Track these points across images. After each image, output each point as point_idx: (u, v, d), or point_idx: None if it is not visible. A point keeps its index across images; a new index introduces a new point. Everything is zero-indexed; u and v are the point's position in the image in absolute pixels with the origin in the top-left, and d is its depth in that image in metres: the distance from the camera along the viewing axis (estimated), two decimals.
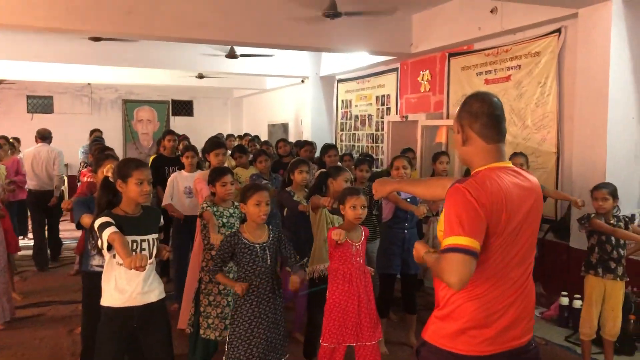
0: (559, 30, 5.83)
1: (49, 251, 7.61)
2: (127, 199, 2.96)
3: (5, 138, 7.71)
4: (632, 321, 4.63)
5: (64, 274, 6.95)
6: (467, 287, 1.95)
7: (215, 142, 5.35)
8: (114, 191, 2.98)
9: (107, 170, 3.05)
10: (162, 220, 3.16)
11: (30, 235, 8.13)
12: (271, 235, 3.36)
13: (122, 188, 2.94)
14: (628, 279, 4.16)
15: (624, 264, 4.07)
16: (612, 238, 4.02)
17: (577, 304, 5.12)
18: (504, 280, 1.98)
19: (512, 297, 1.99)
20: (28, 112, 14.12)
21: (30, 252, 7.35)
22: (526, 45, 6.26)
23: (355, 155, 8.88)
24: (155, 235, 3.04)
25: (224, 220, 3.98)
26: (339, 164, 6.13)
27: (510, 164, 2.06)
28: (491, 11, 6.19)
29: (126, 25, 6.43)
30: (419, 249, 2.13)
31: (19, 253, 6.38)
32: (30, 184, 7.43)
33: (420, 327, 4.69)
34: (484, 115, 2.00)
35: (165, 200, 5.30)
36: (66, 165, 14.19)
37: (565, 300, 5.26)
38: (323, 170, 5.89)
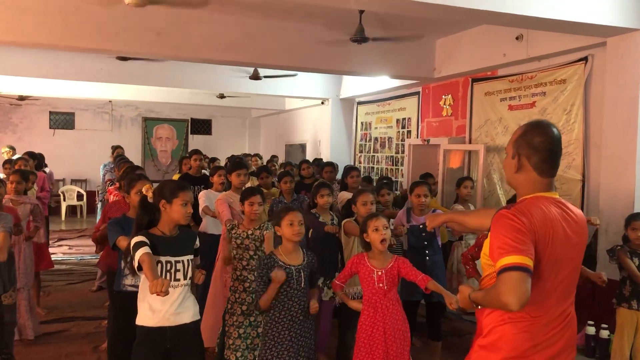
0: (585, 59, 5.85)
1: None
2: (168, 220, 2.99)
3: (30, 154, 7.82)
4: None
5: (85, 289, 6.98)
6: (512, 316, 1.95)
7: (237, 163, 5.42)
8: (153, 211, 3.01)
9: (146, 190, 3.09)
10: (197, 243, 3.18)
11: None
12: (306, 259, 3.40)
13: (165, 208, 2.97)
14: None
15: None
16: None
17: (604, 334, 5.05)
18: (548, 311, 1.98)
19: (557, 328, 1.99)
20: (50, 128, 14.40)
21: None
22: (551, 73, 6.28)
23: (375, 177, 8.91)
24: (190, 257, 3.06)
25: (239, 241, 4.00)
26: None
27: (557, 195, 2.06)
28: (517, 38, 6.22)
29: (156, 46, 6.56)
30: (464, 291, 2.08)
31: None
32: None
33: (445, 353, 4.70)
34: (544, 151, 2.00)
35: (202, 205, 5.31)
36: (85, 180, 14.43)
37: (591, 330, 5.17)
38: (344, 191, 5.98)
